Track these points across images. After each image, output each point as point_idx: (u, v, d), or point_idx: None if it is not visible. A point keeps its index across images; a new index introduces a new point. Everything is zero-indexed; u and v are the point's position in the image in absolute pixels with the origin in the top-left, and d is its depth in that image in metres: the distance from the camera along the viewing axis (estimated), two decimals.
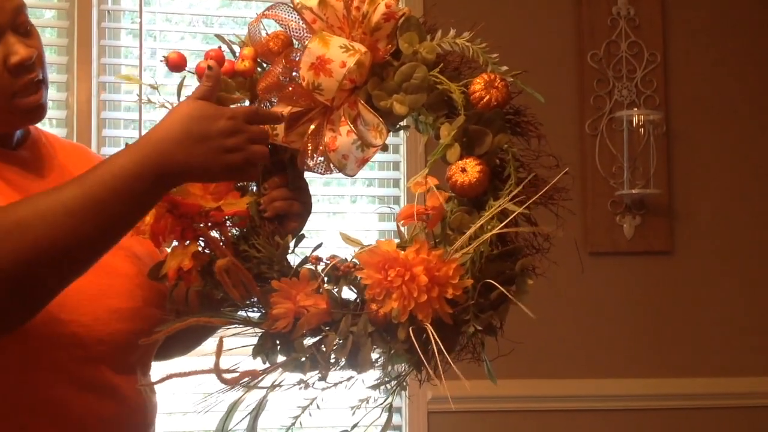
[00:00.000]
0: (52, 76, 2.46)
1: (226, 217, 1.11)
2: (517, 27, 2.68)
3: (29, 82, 1.11)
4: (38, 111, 1.14)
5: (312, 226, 2.50)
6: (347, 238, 1.15)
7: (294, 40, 1.16)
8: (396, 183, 2.65)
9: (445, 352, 1.02)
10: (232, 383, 1.05)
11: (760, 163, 2.80)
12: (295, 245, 1.16)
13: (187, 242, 1.08)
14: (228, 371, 1.05)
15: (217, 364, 1.04)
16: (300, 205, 1.22)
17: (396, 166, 2.64)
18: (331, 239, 2.54)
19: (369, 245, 1.12)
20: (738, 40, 2.81)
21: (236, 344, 1.08)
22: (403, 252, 1.04)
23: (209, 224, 1.08)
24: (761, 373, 2.72)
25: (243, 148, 1.01)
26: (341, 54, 1.08)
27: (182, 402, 2.41)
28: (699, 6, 2.80)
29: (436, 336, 1.02)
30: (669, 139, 2.73)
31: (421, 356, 1.03)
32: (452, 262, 1.03)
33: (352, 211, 2.66)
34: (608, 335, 2.67)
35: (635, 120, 2.66)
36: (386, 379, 1.12)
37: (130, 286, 1.18)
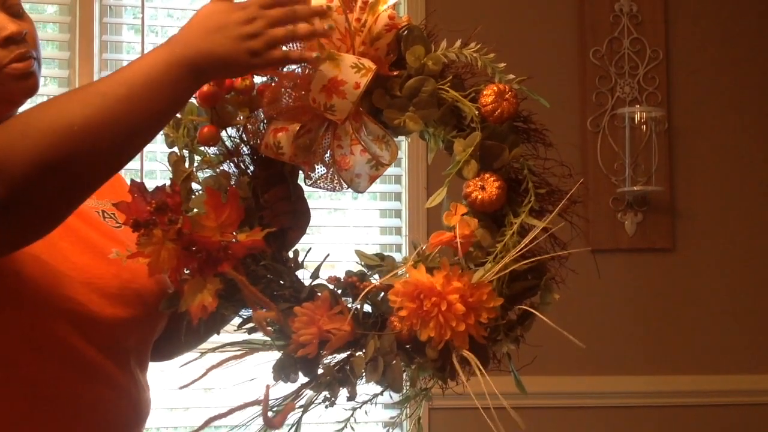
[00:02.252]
0: (54, 71, 2.46)
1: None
2: (519, 24, 2.67)
3: (19, 56, 1.12)
4: (29, 80, 1.14)
5: (313, 222, 2.51)
6: (363, 256, 1.15)
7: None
8: (398, 179, 2.65)
9: (483, 371, 1.04)
10: (277, 425, 1.06)
11: (762, 160, 2.80)
12: (304, 259, 1.16)
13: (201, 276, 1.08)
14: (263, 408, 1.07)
15: (265, 410, 1.05)
16: (301, 215, 1.22)
17: (398, 162, 2.64)
18: (330, 234, 2.57)
19: (384, 259, 1.13)
20: (741, 37, 2.81)
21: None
22: (431, 276, 1.05)
23: (230, 259, 1.07)
24: (763, 370, 2.72)
25: (262, 32, 1.02)
26: (354, 74, 1.07)
27: (183, 397, 2.42)
28: (701, 2, 2.79)
29: (477, 362, 1.03)
30: (671, 136, 2.73)
31: (457, 371, 1.05)
32: (485, 286, 1.04)
33: (354, 207, 2.66)
34: (609, 332, 2.67)
35: (637, 117, 2.66)
36: (413, 392, 1.12)
37: (125, 273, 1.17)
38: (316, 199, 2.56)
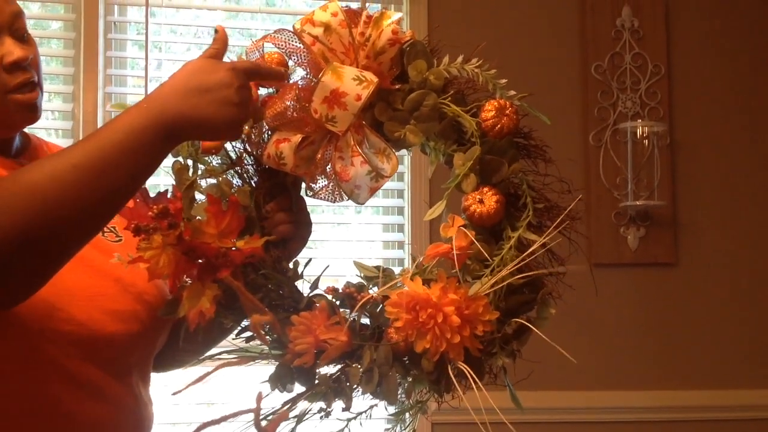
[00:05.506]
0: (58, 86, 2.48)
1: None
2: (521, 39, 2.68)
3: (24, 82, 1.13)
4: (32, 110, 1.15)
5: (317, 237, 2.51)
6: (361, 267, 1.15)
7: (290, 62, 1.16)
8: (400, 194, 2.66)
9: (479, 383, 1.04)
10: (270, 431, 1.06)
11: (764, 174, 2.80)
12: (303, 270, 1.16)
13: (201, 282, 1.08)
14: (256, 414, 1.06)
15: (257, 416, 1.04)
16: (303, 226, 1.23)
17: (400, 177, 2.65)
18: (334, 248, 2.57)
19: (382, 271, 1.13)
20: (742, 52, 2.82)
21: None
22: (428, 288, 1.05)
23: (229, 266, 1.07)
24: (766, 385, 2.71)
25: (244, 102, 1.01)
26: (355, 86, 1.08)
27: (186, 412, 2.41)
28: (703, 18, 2.81)
29: (472, 373, 1.03)
30: (673, 150, 2.73)
31: (454, 384, 1.04)
32: (480, 299, 1.04)
33: (357, 221, 2.67)
34: (612, 347, 2.67)
35: (639, 131, 2.67)
36: (409, 405, 1.12)
37: (126, 288, 1.18)
38: (320, 213, 2.57)
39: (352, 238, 2.64)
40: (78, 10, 2.47)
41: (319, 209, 2.53)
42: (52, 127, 2.48)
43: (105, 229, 1.23)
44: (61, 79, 2.49)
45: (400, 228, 2.66)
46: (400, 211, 2.66)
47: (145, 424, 1.22)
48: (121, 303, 1.16)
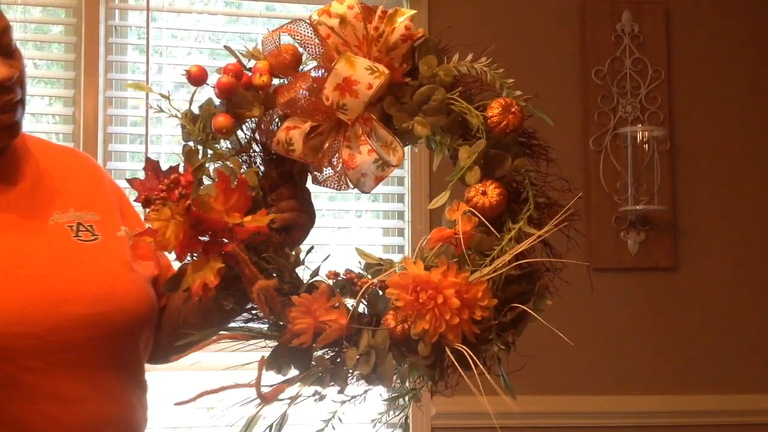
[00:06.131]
0: (59, 90, 2.48)
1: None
2: (521, 44, 2.69)
3: (6, 103, 1.13)
4: (11, 130, 1.15)
5: (317, 240, 2.52)
6: (363, 254, 1.16)
7: (305, 53, 1.17)
8: (401, 198, 2.66)
9: (482, 367, 1.04)
10: (269, 399, 1.06)
11: (764, 178, 2.80)
12: (305, 257, 1.17)
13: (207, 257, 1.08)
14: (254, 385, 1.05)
15: (258, 381, 1.04)
16: (306, 215, 1.23)
17: (401, 181, 2.65)
18: (335, 253, 2.57)
19: (385, 260, 1.13)
20: (741, 57, 2.82)
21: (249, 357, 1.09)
22: (430, 272, 1.05)
23: (234, 240, 1.07)
24: (766, 389, 2.71)
25: None
26: (367, 75, 1.10)
27: (187, 415, 2.41)
28: (702, 22, 2.81)
29: (470, 353, 1.03)
30: (673, 155, 2.74)
31: (458, 369, 1.05)
32: (480, 284, 1.05)
33: (357, 225, 2.67)
34: (612, 351, 2.67)
35: (639, 136, 2.67)
36: (402, 392, 1.13)
37: (95, 290, 1.17)
38: (320, 217, 2.56)
39: (353, 243, 2.64)
40: (79, 14, 2.47)
41: (319, 213, 2.53)
42: (52, 131, 2.48)
43: (81, 227, 1.22)
44: (61, 83, 2.50)
45: (400, 232, 2.66)
46: (401, 215, 2.66)
47: (132, 428, 1.21)
48: (86, 306, 1.15)
